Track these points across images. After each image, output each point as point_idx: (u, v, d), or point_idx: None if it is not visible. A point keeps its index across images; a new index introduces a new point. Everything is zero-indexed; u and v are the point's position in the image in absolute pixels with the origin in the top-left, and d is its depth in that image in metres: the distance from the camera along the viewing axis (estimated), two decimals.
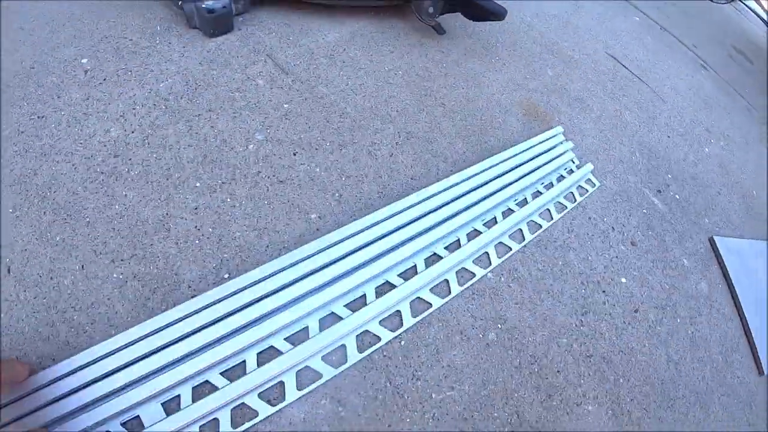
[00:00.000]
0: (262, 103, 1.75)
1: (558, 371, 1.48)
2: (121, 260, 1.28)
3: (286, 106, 1.76)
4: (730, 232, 2.32)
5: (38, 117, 1.49)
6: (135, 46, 1.79)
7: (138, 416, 1.09)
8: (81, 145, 1.47)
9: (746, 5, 6.67)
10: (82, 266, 1.25)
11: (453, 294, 1.43)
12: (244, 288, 1.27)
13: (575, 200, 1.86)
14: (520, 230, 1.66)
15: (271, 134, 1.67)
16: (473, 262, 1.52)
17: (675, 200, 2.21)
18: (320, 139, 1.71)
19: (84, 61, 1.69)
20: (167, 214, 1.39)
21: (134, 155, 1.48)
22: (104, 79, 1.65)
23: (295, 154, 1.64)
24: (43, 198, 1.34)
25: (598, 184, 1.99)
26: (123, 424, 1.08)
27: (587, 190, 1.96)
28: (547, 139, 1.92)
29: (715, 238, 2.20)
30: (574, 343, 1.55)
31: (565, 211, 1.82)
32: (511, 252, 1.60)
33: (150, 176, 1.45)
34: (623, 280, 1.78)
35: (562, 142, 1.96)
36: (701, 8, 5.53)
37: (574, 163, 1.96)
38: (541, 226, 1.71)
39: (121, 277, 1.25)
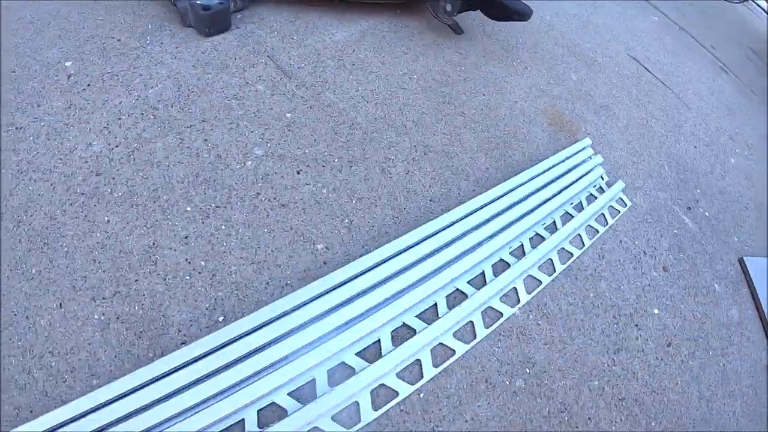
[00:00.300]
0: (262, 111, 1.53)
1: (589, 418, 1.31)
2: (103, 298, 1.10)
3: (288, 115, 1.55)
4: (760, 249, 2.13)
5: (16, 128, 1.29)
6: (123, 47, 1.57)
7: None
8: (60, 161, 1.27)
9: (757, 4, 6.39)
10: (60, 304, 1.08)
11: (479, 338, 1.24)
12: (241, 336, 1.08)
13: (607, 223, 1.66)
14: (551, 260, 1.47)
15: (271, 149, 1.46)
16: (500, 299, 1.33)
17: (705, 218, 2.02)
18: (327, 155, 1.50)
19: (68, 64, 1.48)
20: (154, 243, 1.20)
21: (118, 174, 1.28)
22: (88, 85, 1.44)
23: (298, 173, 1.43)
24: (18, 222, 1.15)
25: (629, 203, 1.79)
26: None
27: (618, 211, 1.76)
28: (575, 153, 1.71)
29: (746, 259, 2.01)
30: (606, 386, 1.37)
31: (597, 236, 1.62)
32: (542, 286, 1.41)
33: (135, 198, 1.26)
34: (656, 311, 1.59)
35: (591, 157, 1.76)
36: (717, 8, 5.25)
37: (603, 179, 1.76)
38: (572, 255, 1.51)
39: (102, 318, 1.08)
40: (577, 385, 1.33)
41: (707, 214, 2.06)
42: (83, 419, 0.93)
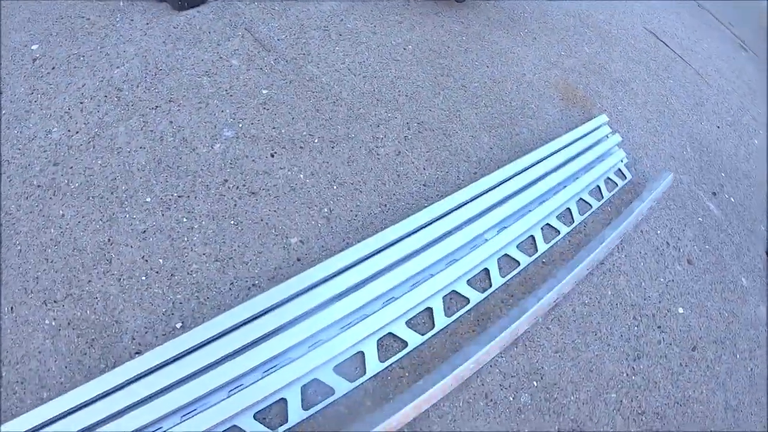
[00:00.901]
0: (236, 89, 1.28)
1: None
2: (55, 301, 0.95)
3: (265, 92, 1.29)
4: None
5: None
6: (92, 27, 1.35)
7: None
8: (19, 151, 1.09)
9: None
10: (12, 308, 0.93)
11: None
12: (200, 345, 0.86)
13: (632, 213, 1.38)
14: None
15: (243, 129, 1.21)
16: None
17: (730, 204, 1.75)
18: (306, 135, 1.24)
19: (34, 47, 1.29)
20: (109, 239, 1.02)
21: (76, 162, 1.10)
22: (53, 68, 1.24)
23: (273, 156, 1.19)
24: None
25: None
26: None
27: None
28: (591, 132, 1.44)
29: None
30: (624, 399, 1.13)
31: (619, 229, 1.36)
32: (559, 285, 1.14)
33: (92, 189, 1.07)
34: (680, 310, 1.34)
35: (608, 136, 1.49)
36: None
37: (623, 162, 1.49)
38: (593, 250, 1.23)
39: (54, 323, 0.92)
40: (592, 399, 1.09)
41: (733, 200, 1.78)
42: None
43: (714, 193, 1.72)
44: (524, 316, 0.98)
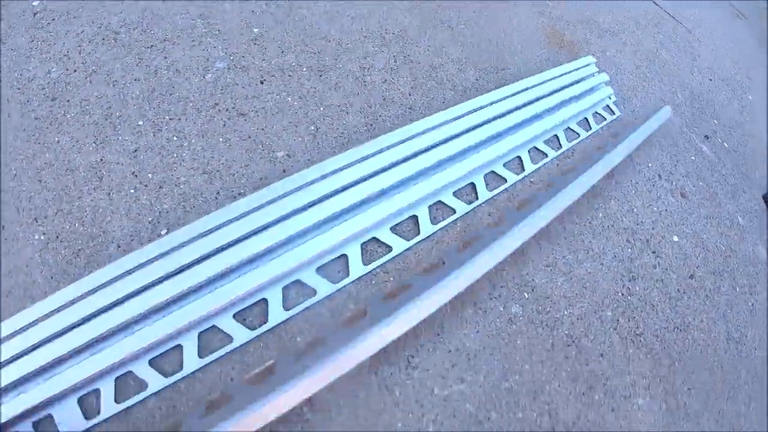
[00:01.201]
0: (228, 28, 1.26)
1: (601, 355, 1.03)
2: (45, 217, 0.93)
3: (256, 30, 1.28)
4: None
5: None
6: None
7: (51, 416, 0.72)
8: (19, 90, 1.09)
9: None
10: (3, 227, 0.91)
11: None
12: (182, 245, 0.83)
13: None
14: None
15: (235, 61, 1.20)
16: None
17: (724, 148, 1.70)
18: (295, 65, 1.22)
19: (35, 3, 1.28)
20: (101, 159, 1.00)
21: (73, 96, 1.09)
22: (53, 20, 1.24)
23: (262, 82, 1.17)
24: None
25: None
26: (35, 425, 0.71)
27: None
28: (578, 69, 1.41)
29: None
30: (620, 318, 1.09)
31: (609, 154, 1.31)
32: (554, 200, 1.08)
33: (87, 117, 1.06)
34: (675, 238, 1.30)
35: (594, 74, 1.46)
36: None
37: (611, 99, 1.46)
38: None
39: (43, 237, 0.91)
40: (587, 315, 1.04)
41: (726, 145, 1.73)
42: (10, 340, 0.73)
43: (706, 137, 1.68)
44: (515, 229, 0.94)
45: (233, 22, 1.30)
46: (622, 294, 1.11)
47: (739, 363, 1.21)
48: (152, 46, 1.22)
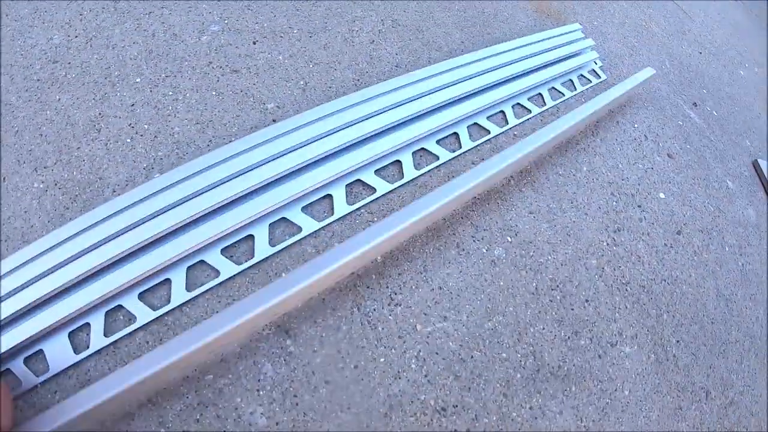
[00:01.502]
0: None
1: (587, 300, 1.03)
2: (45, 167, 0.95)
3: None
4: None
5: None
6: None
7: (42, 351, 0.72)
8: (21, 56, 1.12)
9: None
10: (4, 179, 0.93)
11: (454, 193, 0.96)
12: (173, 184, 0.84)
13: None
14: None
15: (229, 24, 1.22)
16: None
17: (713, 116, 1.69)
18: (287, 27, 1.24)
19: None
20: (100, 114, 1.03)
21: (74, 59, 1.12)
22: None
23: (255, 43, 1.19)
24: None
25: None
26: (25, 360, 0.72)
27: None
28: (563, 34, 1.41)
29: (759, 161, 1.69)
30: (606, 266, 1.08)
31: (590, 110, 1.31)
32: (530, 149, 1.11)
33: (87, 77, 1.09)
34: (661, 195, 1.29)
35: (580, 40, 1.46)
36: None
37: (597, 64, 1.46)
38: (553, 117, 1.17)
39: (41, 186, 0.93)
40: (571, 262, 1.04)
41: (715, 113, 1.72)
42: (3, 280, 0.73)
43: (695, 104, 1.67)
44: (493, 163, 0.94)
45: None
46: (607, 244, 1.10)
47: (730, 320, 1.20)
48: (150, 12, 1.24)
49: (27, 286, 0.74)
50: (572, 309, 0.99)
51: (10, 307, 0.72)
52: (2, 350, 0.71)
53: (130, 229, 0.80)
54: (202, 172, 0.85)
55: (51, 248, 0.78)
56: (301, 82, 1.12)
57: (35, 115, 1.03)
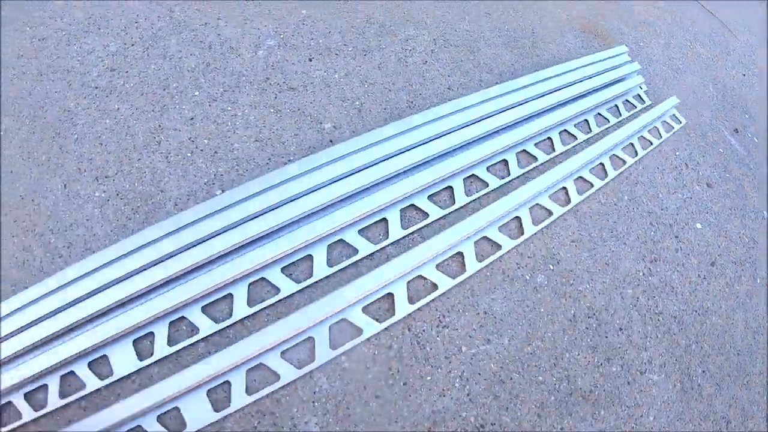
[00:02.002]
0: (278, 9, 1.31)
1: (620, 329, 1.05)
2: (106, 177, 1.00)
3: (304, 12, 1.31)
4: None
5: (39, 39, 1.18)
6: None
7: (106, 356, 0.78)
8: (78, 61, 1.16)
9: None
10: (65, 185, 0.98)
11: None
12: (236, 203, 0.88)
13: (661, 136, 1.35)
14: (602, 164, 1.19)
15: (284, 40, 1.24)
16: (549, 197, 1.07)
17: (754, 144, 1.66)
18: (341, 45, 1.26)
19: None
20: (159, 126, 1.07)
21: (132, 68, 1.15)
22: None
23: (310, 60, 1.21)
24: (33, 118, 1.05)
25: (684, 121, 1.47)
26: (90, 365, 0.77)
27: (672, 127, 1.43)
28: (610, 58, 1.39)
29: None
30: (640, 296, 1.10)
31: (651, 148, 1.32)
32: (593, 189, 1.15)
33: (146, 88, 1.12)
34: (698, 225, 1.29)
35: (626, 63, 1.44)
36: None
37: (642, 89, 1.44)
38: (625, 162, 1.24)
39: (103, 195, 0.97)
40: (608, 291, 1.06)
41: (756, 140, 1.69)
42: (70, 286, 0.80)
43: (736, 130, 1.64)
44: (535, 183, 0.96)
45: (283, 5, 1.33)
46: (643, 274, 1.12)
47: (756, 352, 1.20)
48: (206, 23, 1.27)
49: (92, 296, 0.79)
50: (606, 337, 1.01)
51: (72, 316, 0.77)
52: (69, 354, 0.75)
53: (195, 246, 0.84)
54: (262, 192, 0.89)
55: (116, 259, 0.83)
56: (357, 103, 1.14)
57: (95, 123, 1.06)
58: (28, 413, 0.70)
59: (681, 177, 1.34)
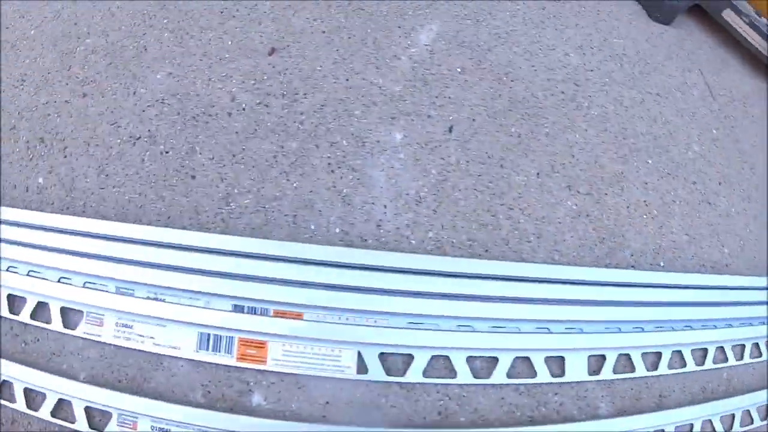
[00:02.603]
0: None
1: None
2: (578, 191, 1.03)
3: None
4: None
5: None
6: None
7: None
8: (541, 51, 1.19)
9: None
10: (538, 174, 1.03)
11: None
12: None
13: None
14: None
15: None
16: None
17: None
18: None
19: None
20: (622, 173, 1.08)
21: (591, 97, 1.16)
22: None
23: None
24: (500, 80, 1.12)
25: None
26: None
27: None
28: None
29: None
30: None
31: None
32: None
33: (608, 125, 1.13)
34: None
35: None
36: None
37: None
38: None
39: (575, 207, 1.01)
40: None
41: None
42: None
43: None
44: None
45: None
46: None
47: None
48: (653, 94, 1.24)
49: None
50: None
51: None
52: None
53: None
54: None
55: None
56: None
57: (564, 130, 1.08)
58: None
59: None
